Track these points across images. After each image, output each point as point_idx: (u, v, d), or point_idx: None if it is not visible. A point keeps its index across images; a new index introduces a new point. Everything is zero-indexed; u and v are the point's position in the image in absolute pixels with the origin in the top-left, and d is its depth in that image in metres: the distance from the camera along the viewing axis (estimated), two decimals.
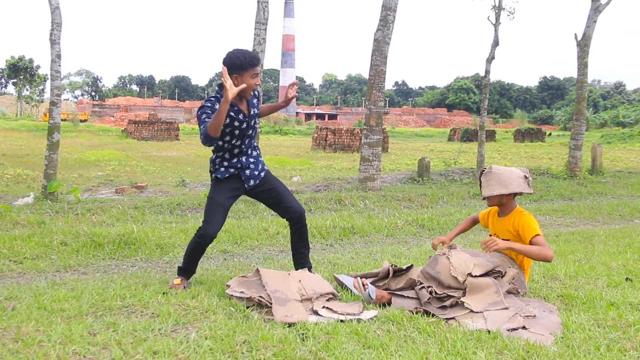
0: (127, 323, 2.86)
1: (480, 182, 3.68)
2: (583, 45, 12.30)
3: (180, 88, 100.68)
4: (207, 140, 3.37)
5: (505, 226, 3.65)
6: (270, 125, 45.47)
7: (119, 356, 2.48)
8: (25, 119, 50.11)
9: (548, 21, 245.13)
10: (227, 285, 3.52)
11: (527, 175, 3.62)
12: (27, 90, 62.52)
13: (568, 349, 2.70)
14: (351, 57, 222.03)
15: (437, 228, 6.97)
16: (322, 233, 6.30)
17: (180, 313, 3.07)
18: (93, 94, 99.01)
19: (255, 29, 8.34)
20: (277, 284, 3.29)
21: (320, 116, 74.45)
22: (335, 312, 3.13)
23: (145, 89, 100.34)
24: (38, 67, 61.64)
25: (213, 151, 3.75)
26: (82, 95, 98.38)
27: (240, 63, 3.49)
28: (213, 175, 3.76)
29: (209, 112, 3.46)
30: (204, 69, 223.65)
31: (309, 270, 3.88)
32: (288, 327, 2.90)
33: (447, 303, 3.17)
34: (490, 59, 12.66)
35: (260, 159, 3.87)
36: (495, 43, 12.72)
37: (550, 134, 45.00)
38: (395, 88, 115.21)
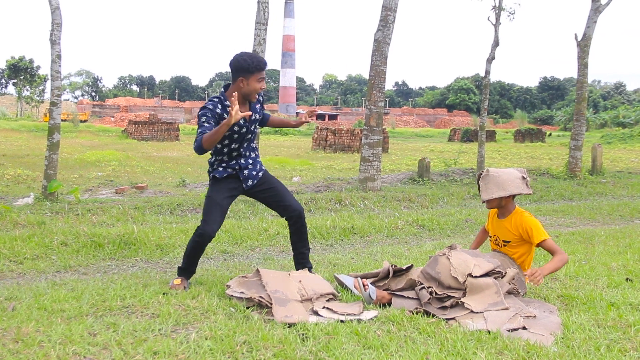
0: (127, 323, 2.86)
1: (479, 185, 3.68)
2: (583, 45, 12.30)
3: (180, 88, 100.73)
4: (200, 150, 3.39)
5: (506, 227, 3.66)
6: None
7: (119, 356, 2.48)
8: (26, 120, 50.17)
9: (548, 21, 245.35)
10: (227, 285, 3.52)
11: (525, 176, 3.63)
12: (27, 90, 62.61)
13: (568, 349, 2.70)
14: (351, 57, 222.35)
15: (437, 228, 6.97)
16: (323, 233, 6.30)
17: (180, 313, 3.07)
18: (93, 94, 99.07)
19: (255, 29, 8.35)
20: (278, 285, 3.29)
21: (320, 116, 74.46)
22: (335, 312, 3.13)
23: (146, 90, 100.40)
24: (38, 67, 61.77)
25: (211, 153, 3.76)
26: (82, 95, 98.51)
27: (247, 66, 3.50)
28: (211, 174, 3.77)
29: (209, 114, 3.48)
30: (204, 70, 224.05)
31: (310, 270, 3.88)
32: (288, 327, 2.90)
33: (448, 303, 3.17)
34: (491, 59, 12.66)
35: (258, 159, 3.87)
36: (496, 43, 12.73)
37: (550, 135, 45.02)
38: (395, 88, 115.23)
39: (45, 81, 60.95)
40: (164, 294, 3.45)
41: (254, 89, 3.56)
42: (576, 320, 3.08)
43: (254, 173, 3.78)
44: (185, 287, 3.65)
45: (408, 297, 3.35)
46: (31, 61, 60.82)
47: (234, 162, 3.72)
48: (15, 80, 62.08)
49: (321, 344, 2.67)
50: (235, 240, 5.83)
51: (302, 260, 3.94)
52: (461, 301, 3.16)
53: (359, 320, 3.03)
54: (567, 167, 12.65)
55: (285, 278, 3.41)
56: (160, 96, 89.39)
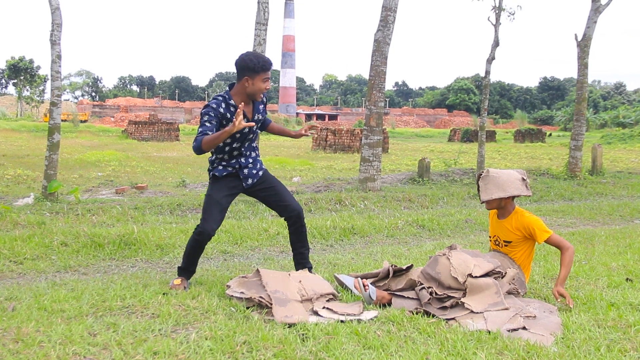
0: (127, 323, 2.86)
1: (478, 186, 3.68)
2: (583, 45, 12.30)
3: (180, 88, 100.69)
4: (198, 151, 3.40)
5: (507, 228, 3.66)
6: None
7: (119, 357, 2.48)
8: (26, 120, 50.19)
9: (548, 22, 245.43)
10: (227, 285, 3.52)
11: (525, 178, 3.63)
12: (27, 90, 62.64)
13: (568, 349, 2.70)
14: (351, 57, 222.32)
15: (437, 229, 6.97)
16: (323, 233, 6.30)
17: (180, 313, 3.07)
18: (93, 94, 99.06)
19: (255, 29, 8.35)
20: (278, 285, 3.29)
21: (320, 117, 74.49)
22: (335, 312, 3.13)
23: (146, 90, 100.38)
24: (38, 67, 61.80)
25: (212, 152, 3.76)
26: (83, 95, 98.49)
27: (253, 66, 3.51)
28: (211, 173, 3.77)
29: (212, 114, 3.50)
30: (204, 70, 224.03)
31: (310, 270, 3.88)
32: (288, 327, 2.90)
33: (448, 304, 3.17)
34: (491, 60, 12.66)
35: (258, 158, 3.88)
36: (496, 43, 12.73)
37: (550, 135, 45.02)
38: (395, 88, 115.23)
39: (46, 81, 60.98)
40: (164, 294, 3.45)
41: (259, 88, 3.57)
42: (576, 321, 3.08)
43: (254, 172, 3.79)
44: (185, 287, 3.65)
45: (408, 297, 3.35)
46: (31, 61, 60.87)
47: (234, 160, 3.73)
48: (15, 81, 62.12)
49: (321, 344, 2.67)
50: (235, 240, 5.83)
51: (301, 261, 3.94)
52: (461, 301, 3.16)
53: (359, 321, 3.03)
54: (567, 167, 12.65)
55: (285, 278, 3.41)
56: (160, 96, 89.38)
